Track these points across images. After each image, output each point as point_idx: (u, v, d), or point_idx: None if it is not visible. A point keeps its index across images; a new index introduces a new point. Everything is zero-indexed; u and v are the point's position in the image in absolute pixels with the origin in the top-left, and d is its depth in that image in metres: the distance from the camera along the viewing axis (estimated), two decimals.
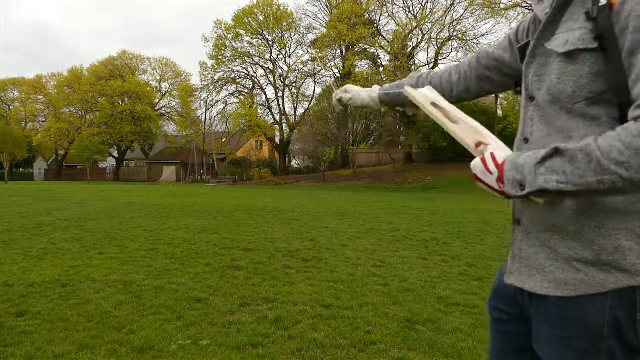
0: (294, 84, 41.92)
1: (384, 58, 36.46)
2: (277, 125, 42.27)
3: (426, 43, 33.61)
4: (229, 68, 41.32)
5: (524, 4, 26.29)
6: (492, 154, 0.97)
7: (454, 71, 1.42)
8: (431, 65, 33.78)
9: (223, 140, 43.66)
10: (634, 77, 0.87)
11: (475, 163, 0.99)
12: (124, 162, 53.89)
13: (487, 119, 28.80)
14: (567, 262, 0.98)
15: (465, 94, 1.41)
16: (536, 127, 1.03)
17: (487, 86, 1.36)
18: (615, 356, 0.95)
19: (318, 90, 44.14)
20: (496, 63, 1.29)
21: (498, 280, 1.19)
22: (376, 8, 35.02)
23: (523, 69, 1.08)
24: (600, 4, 0.91)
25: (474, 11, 30.28)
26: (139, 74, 50.77)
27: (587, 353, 0.97)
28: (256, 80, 42.38)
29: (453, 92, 1.41)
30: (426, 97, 1.22)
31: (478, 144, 1.05)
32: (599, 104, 0.94)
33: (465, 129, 1.10)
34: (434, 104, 1.20)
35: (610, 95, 0.93)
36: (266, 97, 42.57)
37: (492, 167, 0.95)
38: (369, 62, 37.45)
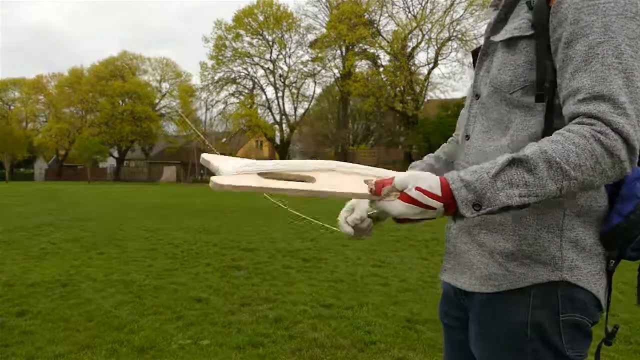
0: (294, 84, 41.97)
1: (384, 58, 36.50)
2: (277, 125, 42.31)
3: (426, 43, 33.67)
4: (229, 68, 41.41)
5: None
6: (419, 188, 0.79)
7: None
8: (431, 66, 33.81)
9: (223, 140, 43.66)
10: (571, 68, 0.85)
11: (398, 206, 0.81)
12: (124, 162, 53.88)
13: None
14: (492, 255, 0.95)
15: None
16: (478, 122, 1.02)
17: None
18: None
19: (318, 90, 44.16)
20: None
21: (444, 283, 1.12)
22: (376, 8, 35.05)
23: (475, 71, 1.07)
24: None
25: (473, 11, 30.35)
26: (139, 74, 50.77)
27: (511, 353, 0.93)
28: (256, 80, 42.45)
29: None
30: (247, 176, 0.79)
31: (375, 189, 0.82)
32: (533, 93, 0.93)
33: (334, 178, 0.82)
34: (261, 174, 0.83)
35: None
36: (266, 97, 42.66)
37: (431, 202, 0.79)
38: (368, 62, 37.45)
